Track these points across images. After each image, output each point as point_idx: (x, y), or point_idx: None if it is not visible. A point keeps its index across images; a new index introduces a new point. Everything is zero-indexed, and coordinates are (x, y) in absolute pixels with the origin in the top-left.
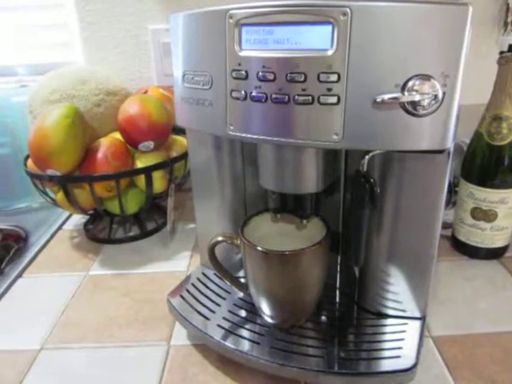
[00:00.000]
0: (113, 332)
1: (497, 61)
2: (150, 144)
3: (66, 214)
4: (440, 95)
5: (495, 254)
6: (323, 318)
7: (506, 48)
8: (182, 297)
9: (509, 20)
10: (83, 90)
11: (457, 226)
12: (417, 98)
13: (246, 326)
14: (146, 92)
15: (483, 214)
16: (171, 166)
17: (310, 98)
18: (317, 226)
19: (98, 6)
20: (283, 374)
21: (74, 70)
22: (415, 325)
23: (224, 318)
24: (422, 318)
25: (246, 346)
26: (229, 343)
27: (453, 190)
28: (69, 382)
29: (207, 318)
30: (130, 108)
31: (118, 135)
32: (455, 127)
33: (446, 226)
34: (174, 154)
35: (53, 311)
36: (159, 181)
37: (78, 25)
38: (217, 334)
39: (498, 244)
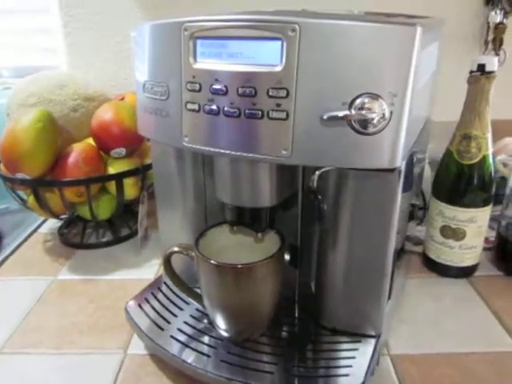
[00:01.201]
0: (73, 338)
1: (467, 80)
2: (122, 150)
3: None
4: (387, 114)
5: (465, 272)
6: (279, 332)
7: (475, 67)
8: (139, 306)
9: (489, 39)
10: (61, 95)
11: (427, 244)
12: (363, 116)
13: (200, 338)
14: (122, 98)
15: (452, 233)
16: (143, 174)
17: (260, 112)
18: (274, 239)
19: (80, 12)
20: None
21: (52, 74)
22: (369, 343)
23: (179, 329)
24: (377, 336)
25: (196, 358)
26: (179, 355)
27: (426, 207)
28: None
29: (162, 329)
30: (104, 114)
31: (92, 140)
32: (405, 146)
33: (419, 242)
34: (149, 161)
35: (16, 315)
36: (131, 187)
37: (62, 30)
38: (168, 345)
39: (468, 263)
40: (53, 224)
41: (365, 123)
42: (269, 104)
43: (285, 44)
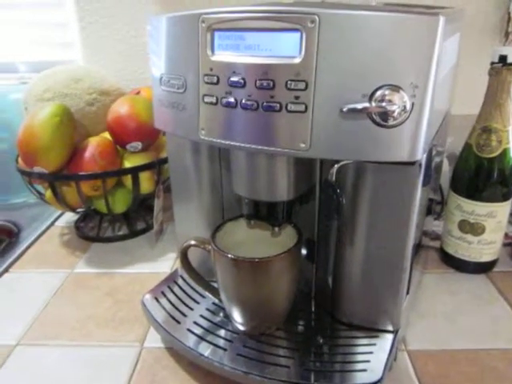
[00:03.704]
0: (89, 331)
1: (488, 71)
2: (138, 145)
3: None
4: (408, 106)
5: (483, 268)
6: (295, 327)
7: (496, 59)
8: (156, 299)
9: (510, 30)
10: (76, 89)
11: (445, 239)
12: (383, 108)
13: (216, 332)
14: (138, 92)
15: (470, 227)
16: (159, 167)
17: (278, 105)
18: (291, 233)
19: (96, 6)
20: (247, 382)
21: (68, 68)
22: (386, 338)
23: (195, 323)
24: (395, 332)
25: (212, 351)
26: (195, 348)
27: (444, 201)
28: (37, 380)
29: (178, 322)
30: (120, 108)
31: (108, 135)
32: (426, 139)
33: (436, 237)
34: (164, 155)
35: (34, 307)
36: (147, 181)
37: (78, 24)
38: (185, 339)
39: (486, 258)
40: (69, 217)
41: (385, 116)
42: (287, 96)
43: (304, 35)
